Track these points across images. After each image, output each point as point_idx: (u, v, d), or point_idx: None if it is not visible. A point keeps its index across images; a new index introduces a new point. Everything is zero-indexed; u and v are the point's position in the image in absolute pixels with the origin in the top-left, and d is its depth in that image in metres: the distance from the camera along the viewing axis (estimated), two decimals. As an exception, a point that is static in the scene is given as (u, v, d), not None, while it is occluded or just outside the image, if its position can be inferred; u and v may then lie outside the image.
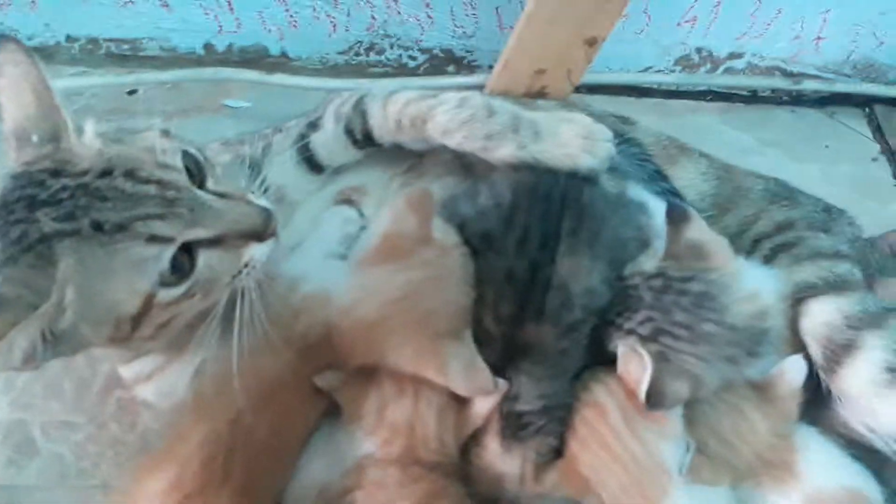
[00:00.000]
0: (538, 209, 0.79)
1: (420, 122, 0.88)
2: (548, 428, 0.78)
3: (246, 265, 0.74)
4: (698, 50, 1.35)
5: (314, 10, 1.28)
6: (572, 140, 0.84)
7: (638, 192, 0.88)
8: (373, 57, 1.35)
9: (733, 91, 1.40)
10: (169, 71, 1.28)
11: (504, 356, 0.78)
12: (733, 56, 1.37)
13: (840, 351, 0.84)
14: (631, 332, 0.78)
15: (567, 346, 0.78)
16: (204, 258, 0.72)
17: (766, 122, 1.40)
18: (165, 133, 0.75)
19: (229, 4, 1.27)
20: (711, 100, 1.41)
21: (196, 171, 0.75)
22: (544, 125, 0.85)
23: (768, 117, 1.41)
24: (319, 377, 0.77)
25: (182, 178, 0.72)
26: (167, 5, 1.27)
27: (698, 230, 0.80)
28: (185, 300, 0.72)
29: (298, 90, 1.27)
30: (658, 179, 0.93)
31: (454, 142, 0.86)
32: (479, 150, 0.85)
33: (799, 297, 0.88)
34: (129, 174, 0.70)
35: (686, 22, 1.31)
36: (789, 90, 1.40)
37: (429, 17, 1.29)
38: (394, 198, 0.94)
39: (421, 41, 1.33)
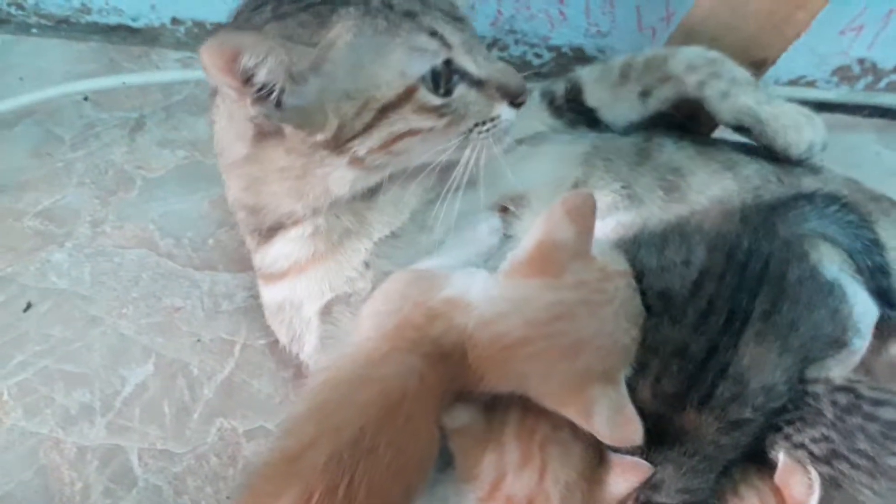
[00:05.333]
0: (732, 279, 0.69)
1: (658, 62, 0.88)
2: (684, 527, 0.68)
3: (492, 120, 0.76)
4: (860, 61, 1.21)
5: (436, 1, 1.18)
6: (797, 114, 0.86)
7: (837, 273, 0.75)
8: (496, 53, 1.25)
9: (894, 108, 1.25)
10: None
11: (653, 437, 0.67)
12: (899, 70, 1.22)
13: None
14: (801, 446, 0.67)
15: (726, 444, 0.68)
16: (461, 91, 0.73)
17: (928, 145, 1.24)
18: None
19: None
20: (868, 116, 1.26)
21: None
22: (773, 94, 0.87)
23: (932, 139, 1.25)
24: (448, 415, 0.68)
25: (468, 18, 0.76)
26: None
27: None
28: (433, 117, 0.72)
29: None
30: (873, 252, 0.79)
31: (697, 78, 0.86)
32: (717, 96, 0.86)
33: None
34: None
35: (851, 30, 1.16)
36: (961, 110, 1.24)
37: (561, 13, 1.18)
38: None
39: (549, 38, 1.22)
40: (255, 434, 0.91)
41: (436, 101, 0.72)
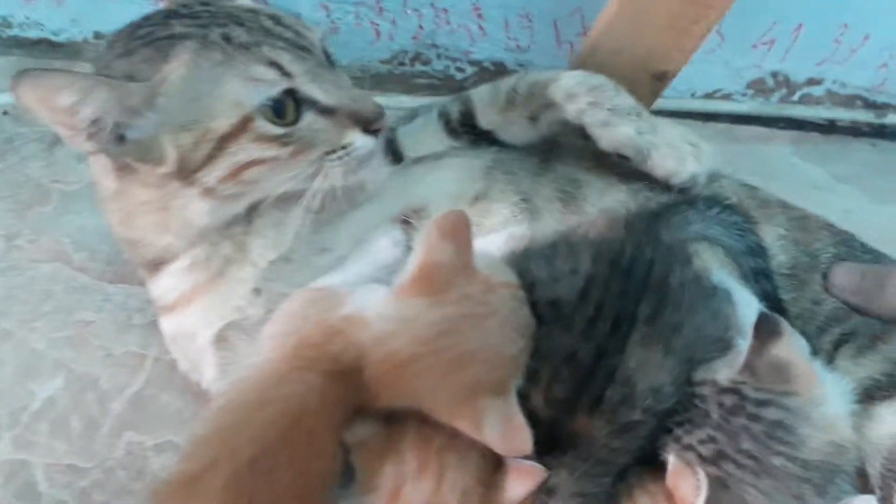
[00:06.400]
0: (616, 286, 0.70)
1: (540, 88, 0.85)
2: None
3: (343, 147, 0.75)
4: (773, 74, 1.24)
5: (357, 16, 1.19)
6: (681, 143, 0.83)
7: (722, 277, 0.77)
8: (418, 67, 1.26)
9: (809, 120, 1.28)
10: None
11: (546, 443, 0.68)
12: (812, 82, 1.25)
13: None
14: (689, 448, 0.68)
15: (618, 447, 0.69)
16: (309, 119, 0.73)
17: (842, 156, 1.28)
18: None
19: (266, 7, 1.19)
20: (784, 128, 1.29)
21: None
22: (659, 122, 0.84)
23: (845, 150, 1.29)
24: (349, 432, 0.68)
25: (318, 44, 0.75)
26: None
27: (787, 349, 0.69)
28: (275, 146, 0.72)
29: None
30: (757, 255, 0.81)
31: (576, 107, 0.83)
32: (597, 125, 0.82)
33: (864, 400, 0.74)
34: (274, 17, 0.74)
35: (763, 44, 1.19)
36: (871, 122, 1.28)
37: (480, 28, 1.20)
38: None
39: (471, 53, 1.24)
40: (164, 448, 0.91)
41: (276, 130, 0.71)
